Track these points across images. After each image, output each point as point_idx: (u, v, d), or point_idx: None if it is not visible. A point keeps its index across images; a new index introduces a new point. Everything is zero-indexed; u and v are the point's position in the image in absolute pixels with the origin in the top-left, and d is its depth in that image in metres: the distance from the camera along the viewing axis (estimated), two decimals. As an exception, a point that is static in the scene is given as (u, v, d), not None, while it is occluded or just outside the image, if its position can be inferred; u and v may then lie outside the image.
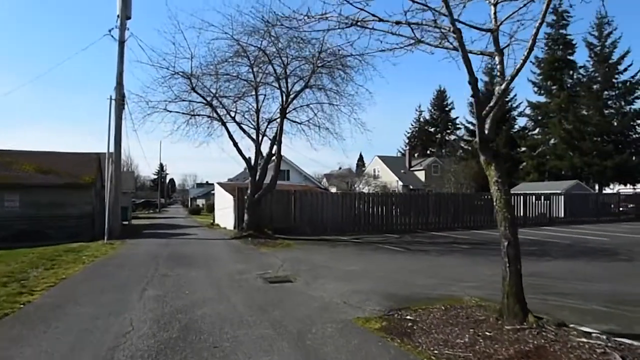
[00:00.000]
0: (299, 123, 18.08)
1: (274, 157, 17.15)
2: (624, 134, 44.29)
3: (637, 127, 44.05)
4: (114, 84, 16.98)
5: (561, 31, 49.32)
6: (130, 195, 45.17)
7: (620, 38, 44.94)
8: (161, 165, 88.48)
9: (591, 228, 22.71)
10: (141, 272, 9.04)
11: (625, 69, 44.60)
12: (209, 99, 16.04)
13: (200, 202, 66.06)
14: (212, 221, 29.19)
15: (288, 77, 15.63)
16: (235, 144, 16.54)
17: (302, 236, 17.36)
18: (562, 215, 26.15)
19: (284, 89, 15.86)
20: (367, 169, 49.45)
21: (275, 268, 9.71)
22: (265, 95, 16.98)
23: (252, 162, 17.27)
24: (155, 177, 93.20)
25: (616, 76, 44.79)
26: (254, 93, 16.52)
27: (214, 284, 7.88)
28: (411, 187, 47.39)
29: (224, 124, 16.50)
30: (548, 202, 25.59)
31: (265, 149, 17.15)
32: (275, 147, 16.78)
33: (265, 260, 10.85)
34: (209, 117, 16.81)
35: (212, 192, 46.93)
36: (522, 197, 24.13)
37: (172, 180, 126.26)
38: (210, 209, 41.25)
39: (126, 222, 27.08)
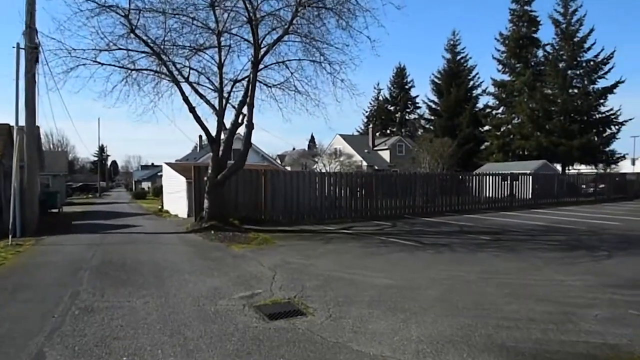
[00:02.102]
0: (270, 86, 14.57)
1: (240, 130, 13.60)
2: (588, 114, 43.84)
3: (600, 107, 43.71)
4: (22, 28, 12.61)
5: (526, 7, 48.15)
6: (64, 179, 39.70)
7: (585, 15, 44.19)
8: (101, 147, 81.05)
9: (581, 210, 21.05)
10: (46, 305, 5.41)
11: (590, 47, 43.99)
12: (155, 48, 12.10)
13: (146, 185, 60.74)
14: (160, 207, 25.07)
15: (262, 20, 12.01)
16: (192, 109, 12.74)
17: (276, 226, 14.02)
18: (530, 196, 24.43)
19: (256, 36, 12.17)
20: (328, 149, 46.42)
21: (265, 283, 6.39)
22: (230, 46, 13.26)
23: (214, 134, 13.52)
24: (96, 158, 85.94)
25: (581, 54, 44.11)
26: (215, 43, 12.76)
27: (175, 331, 4.45)
28: (376, 167, 44.92)
29: (176, 83, 12.63)
30: (516, 182, 23.70)
31: (229, 118, 13.51)
32: (242, 116, 13.20)
33: (245, 269, 7.48)
34: (155, 73, 12.89)
35: (159, 174, 42.12)
36: (489, 177, 21.91)
37: (114, 162, 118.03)
38: (157, 192, 36.79)
39: (55, 210, 22.49)
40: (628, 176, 32.40)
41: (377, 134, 57.24)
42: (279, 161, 48.92)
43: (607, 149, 44.21)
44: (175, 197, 20.61)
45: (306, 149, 73.97)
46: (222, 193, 13.41)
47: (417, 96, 71.10)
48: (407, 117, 71.39)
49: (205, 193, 13.16)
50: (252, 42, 12.38)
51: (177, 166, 23.07)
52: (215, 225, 12.65)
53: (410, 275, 6.93)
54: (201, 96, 13.64)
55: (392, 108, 72.52)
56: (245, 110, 12.82)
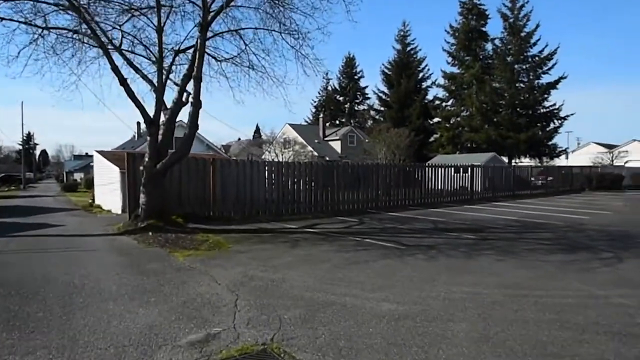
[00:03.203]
0: (220, 60, 12.42)
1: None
2: (534, 108, 44.81)
3: (544, 102, 44.77)
4: None
5: (475, 1, 48.37)
6: (-23, 168, 34.80)
7: (532, 11, 44.97)
8: (28, 134, 73.99)
9: (540, 203, 20.69)
10: None
11: (535, 43, 44.86)
12: (74, 1, 9.57)
13: (78, 176, 55.72)
14: (91, 201, 22.01)
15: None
16: (123, 81, 10.29)
17: (228, 224, 11.98)
18: (482, 189, 23.96)
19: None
20: (277, 138, 44.26)
21: (225, 315, 4.50)
22: (172, 6, 10.93)
23: (152, 115, 11.17)
24: (21, 147, 78.36)
25: (528, 49, 44.89)
26: (153, 2, 10.43)
27: None
28: (327, 158, 43.42)
29: (103, 48, 10.17)
30: (467, 175, 23.04)
31: (170, 98, 11.22)
32: (186, 94, 11.00)
33: (194, 289, 5.51)
34: (75, 34, 10.33)
35: (92, 164, 38.17)
36: (440, 169, 21.03)
37: (44, 151, 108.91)
38: (90, 184, 33.10)
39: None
40: (574, 169, 33.05)
41: (327, 124, 55.79)
42: (223, 152, 46.16)
43: (550, 142, 45.55)
44: (108, 189, 17.87)
45: (251, 139, 71.26)
46: (163, 185, 11.17)
47: (367, 87, 70.50)
48: (356, 108, 70.63)
49: (142, 186, 10.85)
50: (199, 2, 10.18)
51: (110, 155, 20.19)
52: (154, 224, 10.42)
53: (417, 295, 5.28)
54: (136, 70, 11.28)
55: (341, 98, 71.44)
56: (190, 87, 10.63)
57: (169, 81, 11.95)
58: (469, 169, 23.24)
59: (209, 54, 12.03)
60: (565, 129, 57.45)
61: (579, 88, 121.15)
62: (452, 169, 22.14)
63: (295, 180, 15.31)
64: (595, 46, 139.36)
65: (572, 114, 44.41)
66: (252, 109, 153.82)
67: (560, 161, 46.84)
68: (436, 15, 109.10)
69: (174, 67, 12.18)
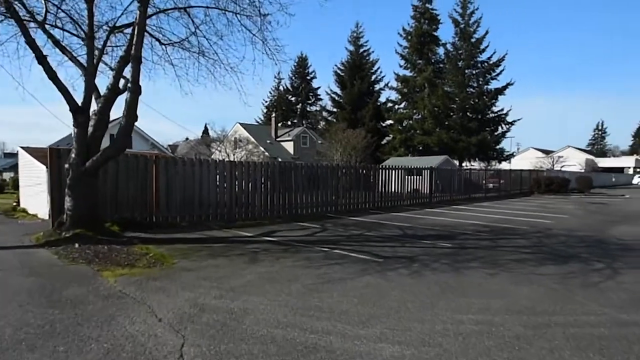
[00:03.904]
0: (166, 44, 10.81)
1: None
2: (484, 113, 45.74)
3: (493, 106, 45.82)
4: None
5: (427, 5, 48.79)
6: None
7: (481, 18, 45.97)
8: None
9: (498, 207, 20.53)
10: None
11: (484, 49, 45.84)
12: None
13: (8, 175, 50.70)
14: (15, 204, 19.33)
15: None
16: (41, 58, 8.44)
17: (174, 233, 10.39)
18: (436, 192, 23.60)
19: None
20: (228, 137, 42.26)
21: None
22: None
23: (81, 103, 9.37)
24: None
25: (478, 55, 45.79)
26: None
27: None
28: (279, 159, 42.02)
29: (16, 18, 8.31)
30: (422, 177, 22.56)
31: (104, 84, 9.49)
32: (124, 82, 9.35)
33: (123, 330, 4.05)
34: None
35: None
36: (392, 171, 20.11)
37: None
38: (17, 185, 29.73)
39: None
40: (523, 173, 33.72)
41: (279, 124, 54.36)
42: (170, 152, 43.56)
43: (498, 146, 46.72)
44: (34, 191, 15.54)
45: (200, 138, 68.40)
46: (95, 187, 9.41)
47: (319, 87, 69.88)
48: (309, 109, 69.75)
49: (67, 187, 9.05)
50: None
51: (35, 151, 17.73)
52: (82, 234, 8.67)
53: (420, 330, 4.13)
54: (63, 50, 9.46)
55: (293, 99, 70.33)
56: (128, 72, 8.97)
57: (104, 66, 10.24)
58: (427, 172, 22.76)
59: (151, 35, 10.41)
60: (509, 134, 59.04)
61: (520, 95, 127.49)
62: (408, 171, 21.50)
63: (250, 181, 13.89)
64: (534, 58, 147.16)
65: (519, 119, 45.87)
66: (202, 107, 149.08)
67: (504, 165, 48.16)
68: (389, 18, 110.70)
69: (110, 50, 10.48)
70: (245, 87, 12.35)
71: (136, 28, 8.11)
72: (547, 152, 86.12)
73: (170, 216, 11.82)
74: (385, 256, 7.91)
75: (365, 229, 12.06)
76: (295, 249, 8.54)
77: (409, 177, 21.64)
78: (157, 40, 10.66)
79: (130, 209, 11.07)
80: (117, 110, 9.83)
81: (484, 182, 30.48)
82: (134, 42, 8.11)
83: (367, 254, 8.01)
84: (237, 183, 13.47)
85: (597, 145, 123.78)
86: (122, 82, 9.40)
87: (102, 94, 9.20)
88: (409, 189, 21.19)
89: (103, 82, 10.07)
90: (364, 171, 19.21)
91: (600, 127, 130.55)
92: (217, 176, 12.99)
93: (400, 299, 5.17)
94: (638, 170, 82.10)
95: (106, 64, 10.39)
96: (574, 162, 69.09)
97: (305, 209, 15.54)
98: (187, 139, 70.27)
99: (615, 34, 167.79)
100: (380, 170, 19.56)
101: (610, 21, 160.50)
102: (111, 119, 9.77)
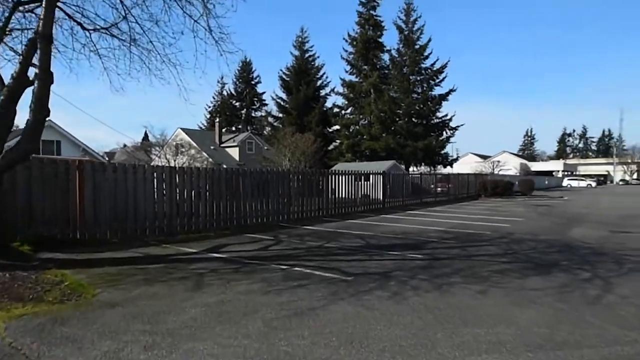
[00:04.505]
0: (90, 30, 9.17)
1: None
2: (428, 118, 46.36)
3: (437, 112, 46.58)
4: None
5: (372, 12, 48.98)
6: None
7: (424, 25, 46.78)
8: None
9: (452, 211, 20.32)
10: None
11: (427, 56, 46.59)
12: None
13: None
14: None
15: None
16: None
17: (101, 251, 8.71)
18: (381, 197, 23.12)
19: None
20: (169, 143, 39.73)
21: None
22: None
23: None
24: None
25: (422, 62, 46.45)
26: None
27: None
28: (224, 165, 40.12)
29: None
30: (371, 182, 21.87)
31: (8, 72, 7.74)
32: (35, 70, 7.65)
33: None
34: None
35: None
36: (343, 177, 19.04)
37: None
38: None
39: None
40: (469, 177, 34.20)
41: (223, 130, 52.30)
42: (107, 159, 40.35)
43: (443, 151, 47.53)
44: None
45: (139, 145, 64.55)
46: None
47: (264, 92, 68.34)
48: (253, 114, 68.03)
49: (-41, 199, 7.20)
50: None
51: None
52: (-24, 257, 6.89)
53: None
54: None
55: (237, 104, 68.36)
56: (36, 59, 7.31)
57: (9, 52, 8.46)
58: (379, 177, 22.15)
59: (72, 18, 8.75)
60: (453, 139, 60.39)
61: (458, 102, 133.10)
62: (361, 176, 20.74)
63: (193, 189, 12.39)
64: (472, 66, 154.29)
65: (462, 125, 46.79)
66: (142, 114, 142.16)
67: (447, 170, 49.09)
68: (334, 24, 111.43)
69: (19, 33, 8.70)
70: (185, 82, 10.79)
71: (44, 1, 6.53)
72: (484, 157, 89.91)
73: (98, 231, 10.08)
74: (354, 273, 6.82)
75: (324, 239, 10.95)
76: (249, 267, 7.24)
77: (361, 182, 20.87)
78: (79, 24, 9.00)
79: (47, 223, 9.25)
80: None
81: (432, 186, 30.52)
82: (41, 17, 6.51)
83: (333, 272, 6.89)
84: (178, 191, 11.93)
85: (527, 151, 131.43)
86: (34, 72, 7.69)
87: (4, 82, 7.45)
88: (361, 195, 20.39)
89: (10, 72, 8.28)
90: (317, 177, 18.15)
91: (529, 134, 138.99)
92: (155, 184, 11.39)
93: (390, 336, 4.07)
94: (566, 173, 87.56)
95: (14, 51, 8.62)
96: (510, 166, 72.28)
97: (255, 219, 14.21)
98: (124, 145, 66.24)
99: (540, 50, 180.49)
100: (332, 176, 18.59)
101: (539, 38, 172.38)
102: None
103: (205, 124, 67.88)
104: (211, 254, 8.65)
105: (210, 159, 40.19)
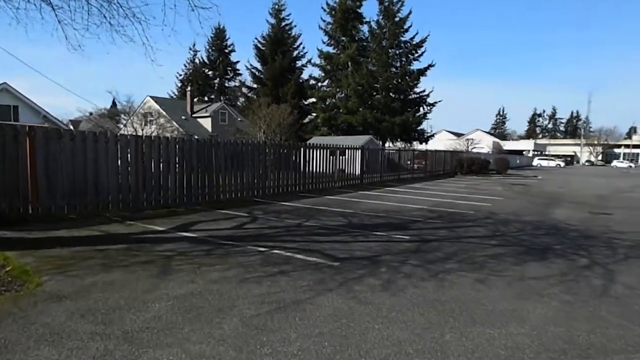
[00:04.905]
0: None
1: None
2: (406, 93, 45.76)
3: (415, 87, 45.97)
4: None
5: (351, -20, 47.36)
6: None
7: (406, -4, 45.52)
8: None
9: (430, 188, 20.07)
10: None
11: (407, 29, 45.63)
12: None
13: None
14: None
15: None
16: None
17: (55, 229, 7.81)
18: (359, 172, 22.59)
19: None
20: (137, 111, 37.83)
21: None
22: None
23: None
24: None
25: (402, 35, 45.46)
26: None
27: None
28: (196, 136, 38.65)
29: None
30: (349, 157, 21.10)
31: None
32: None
33: None
34: None
35: None
36: (320, 151, 18.04)
37: None
38: None
39: None
40: (445, 154, 34.04)
41: (195, 100, 50.41)
42: (71, 127, 38.29)
43: (419, 127, 47.21)
44: None
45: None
46: None
47: (239, 62, 66.35)
48: (227, 84, 65.97)
49: None
50: None
51: None
52: None
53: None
54: None
55: (210, 73, 66.02)
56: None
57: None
58: (357, 151, 21.52)
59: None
60: (429, 116, 60.37)
61: (434, 78, 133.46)
62: (339, 150, 20.08)
63: (162, 161, 11.44)
64: (446, 43, 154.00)
65: (439, 101, 46.52)
66: (109, 79, 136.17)
67: (423, 146, 48.98)
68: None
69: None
70: (152, 40, 9.52)
71: None
72: (458, 135, 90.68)
73: (54, 206, 9.10)
74: (340, 257, 6.21)
75: (303, 217, 10.29)
76: (223, 249, 6.51)
77: (338, 157, 20.21)
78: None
79: (-7, 197, 8.24)
80: None
81: (409, 162, 30.17)
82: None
83: (316, 255, 6.26)
84: (145, 163, 10.97)
85: (499, 130, 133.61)
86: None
87: None
88: (337, 170, 19.76)
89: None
90: (293, 150, 17.34)
91: (501, 113, 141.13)
92: (120, 154, 10.40)
93: (392, 339, 3.48)
94: (536, 153, 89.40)
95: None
96: (483, 144, 73.10)
97: (229, 193, 13.41)
98: (91, 113, 63.41)
99: (515, 28, 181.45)
100: (309, 150, 17.81)
101: (513, 17, 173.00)
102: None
103: (177, 93, 65.49)
104: (181, 232, 7.86)
105: (181, 130, 38.62)
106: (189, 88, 47.79)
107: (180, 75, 67.22)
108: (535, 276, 5.53)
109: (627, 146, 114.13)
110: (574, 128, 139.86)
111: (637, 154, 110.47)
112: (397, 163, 26.88)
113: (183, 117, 42.14)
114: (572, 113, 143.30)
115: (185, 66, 67.39)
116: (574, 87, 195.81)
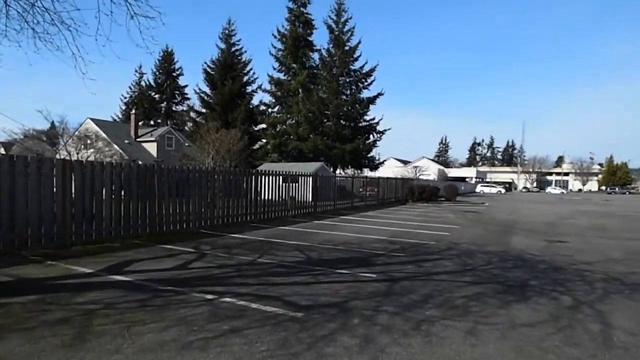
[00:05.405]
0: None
1: None
2: (356, 121, 46.09)
3: (365, 115, 46.44)
4: None
5: (302, 9, 47.81)
6: None
7: (355, 27, 46.52)
8: None
9: (385, 217, 19.61)
10: None
11: (357, 58, 46.43)
12: None
13: None
14: None
15: None
16: None
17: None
18: (311, 199, 21.96)
19: None
20: (77, 134, 35.17)
21: None
22: None
23: None
24: None
25: (352, 63, 46.12)
26: None
27: None
28: (139, 161, 36.52)
29: None
30: (301, 184, 20.39)
31: None
32: None
33: None
34: None
35: None
36: (271, 178, 17.21)
37: None
38: None
39: None
40: (397, 182, 34.13)
41: (140, 123, 48.14)
42: (2, 151, 34.94)
43: (370, 155, 47.51)
44: None
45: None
46: None
47: (187, 86, 64.62)
48: (174, 108, 63.95)
49: None
50: None
51: None
52: None
53: None
54: None
55: (157, 96, 63.86)
56: None
57: None
58: (309, 179, 20.80)
59: None
60: (379, 143, 61.07)
61: (383, 107, 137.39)
62: (292, 178, 19.27)
63: (95, 188, 10.08)
64: (392, 73, 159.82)
65: (388, 129, 47.17)
66: (49, 102, 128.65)
67: (373, 173, 49.26)
68: (262, 19, 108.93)
69: None
70: (84, 51, 8.12)
71: None
72: (405, 162, 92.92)
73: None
74: (303, 305, 5.29)
75: (256, 252, 9.27)
76: (161, 299, 5.39)
77: (290, 184, 19.36)
78: None
79: None
80: None
81: (360, 189, 29.80)
82: None
83: (275, 303, 5.30)
84: (75, 189, 9.58)
85: (442, 157, 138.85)
86: None
87: None
88: (289, 197, 18.88)
89: None
90: (244, 177, 16.31)
91: (444, 142, 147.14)
92: (42, 180, 8.98)
93: None
94: (478, 180, 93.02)
95: None
96: (430, 172, 75.06)
97: (174, 225, 12.14)
98: (25, 136, 58.86)
99: (455, 67, 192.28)
100: (261, 177, 16.85)
101: (454, 58, 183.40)
102: None
103: (121, 117, 62.60)
104: (112, 276, 6.62)
105: (125, 155, 36.37)
106: (133, 112, 45.50)
107: (125, 97, 64.57)
108: (527, 323, 4.88)
109: (558, 173, 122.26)
110: (510, 156, 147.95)
111: (567, 181, 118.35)
112: (349, 190, 26.39)
113: (126, 141, 39.88)
114: (508, 142, 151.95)
115: (131, 89, 64.97)
116: (509, 118, 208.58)
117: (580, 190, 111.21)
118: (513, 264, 8.81)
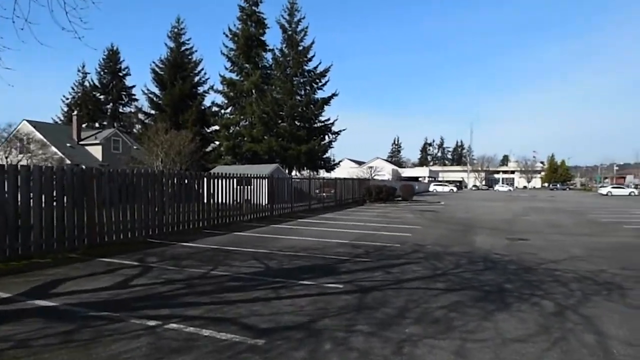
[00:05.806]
0: None
1: None
2: (311, 122, 45.53)
3: (320, 116, 45.97)
4: None
5: (254, 8, 46.77)
6: None
7: (308, 27, 46.01)
8: None
9: (345, 218, 19.19)
10: None
11: (311, 58, 45.95)
12: None
13: None
14: None
15: None
16: None
17: None
18: (266, 202, 21.20)
19: None
20: (10, 137, 32.25)
21: None
22: None
23: None
24: None
25: (306, 63, 45.54)
26: None
27: None
28: (84, 166, 34.14)
29: None
30: (256, 187, 19.52)
31: None
32: None
33: None
34: None
35: None
36: (224, 181, 16.41)
37: None
38: None
39: None
40: (353, 182, 33.81)
41: (84, 125, 45.31)
42: None
43: (325, 156, 47.05)
44: None
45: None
46: None
47: (135, 86, 61.78)
48: (121, 110, 60.88)
49: None
50: None
51: None
52: None
53: None
54: None
55: (102, 97, 60.56)
56: None
57: None
58: (265, 181, 19.96)
59: None
60: (335, 144, 61.07)
61: (337, 108, 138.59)
62: (246, 180, 18.36)
63: (21, 195, 8.81)
64: (345, 73, 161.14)
65: (343, 130, 46.86)
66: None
67: (328, 175, 48.87)
68: (213, 16, 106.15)
69: None
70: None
71: None
72: (359, 163, 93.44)
73: None
74: (265, 329, 4.52)
75: (209, 263, 8.38)
76: (90, 330, 4.45)
77: (244, 187, 18.43)
78: None
79: None
80: None
81: (317, 191, 29.18)
82: None
83: (232, 327, 4.51)
84: (3, 197, 8.31)
85: (395, 158, 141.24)
86: None
87: None
88: (244, 201, 17.95)
89: None
90: (196, 181, 15.24)
91: (396, 142, 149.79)
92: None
93: None
94: (431, 179, 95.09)
95: None
96: (384, 172, 75.77)
97: (117, 234, 10.97)
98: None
99: (407, 68, 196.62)
100: (213, 180, 15.84)
101: (405, 59, 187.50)
102: None
103: (62, 119, 58.85)
104: (34, 300, 5.56)
105: (67, 159, 33.90)
106: (75, 113, 42.68)
107: (68, 99, 60.72)
108: (517, 337, 4.37)
109: (504, 172, 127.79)
110: (459, 156, 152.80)
111: (513, 178, 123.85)
112: (306, 192, 25.71)
113: (68, 145, 37.29)
114: (457, 142, 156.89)
115: (74, 89, 61.14)
116: (458, 119, 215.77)
117: (525, 187, 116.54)
118: (483, 265, 8.44)
